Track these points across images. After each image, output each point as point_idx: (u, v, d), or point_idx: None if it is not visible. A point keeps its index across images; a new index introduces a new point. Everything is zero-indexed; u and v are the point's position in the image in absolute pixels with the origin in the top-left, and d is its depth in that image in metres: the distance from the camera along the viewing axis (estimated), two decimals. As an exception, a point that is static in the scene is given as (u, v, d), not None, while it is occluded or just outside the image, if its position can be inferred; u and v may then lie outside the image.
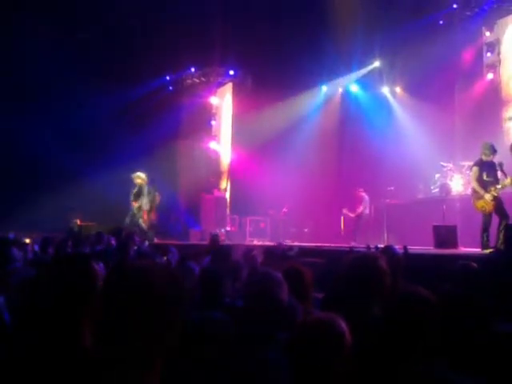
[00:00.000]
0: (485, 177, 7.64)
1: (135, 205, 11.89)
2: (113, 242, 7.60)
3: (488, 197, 7.50)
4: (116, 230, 8.64)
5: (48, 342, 1.97)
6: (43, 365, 1.88)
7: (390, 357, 2.00)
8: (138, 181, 11.99)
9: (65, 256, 2.22)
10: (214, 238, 8.14)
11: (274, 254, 5.63)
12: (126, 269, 1.41)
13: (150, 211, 12.14)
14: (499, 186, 7.53)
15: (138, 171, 12.06)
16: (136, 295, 1.35)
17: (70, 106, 13.66)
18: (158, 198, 12.30)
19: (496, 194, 7.51)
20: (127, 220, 11.77)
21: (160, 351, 1.41)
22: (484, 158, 7.72)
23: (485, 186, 7.57)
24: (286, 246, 7.43)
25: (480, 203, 7.63)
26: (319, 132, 14.54)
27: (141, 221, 11.87)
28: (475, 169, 7.76)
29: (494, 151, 7.70)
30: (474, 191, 7.77)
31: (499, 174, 7.65)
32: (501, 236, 7.12)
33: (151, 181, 12.19)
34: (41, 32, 12.45)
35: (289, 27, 13.07)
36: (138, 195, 11.96)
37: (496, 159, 7.72)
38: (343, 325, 1.87)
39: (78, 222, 11.91)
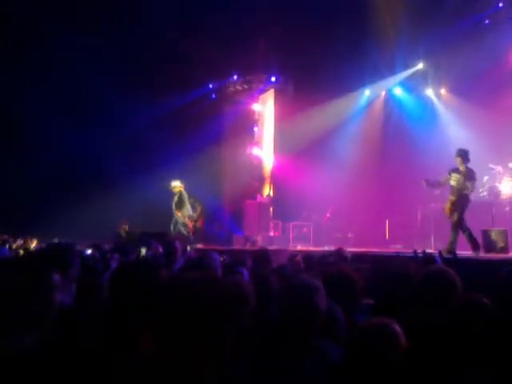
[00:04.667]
0: None
1: (178, 214, 12.01)
2: (159, 248, 7.74)
3: None
4: (162, 237, 8.82)
5: (109, 345, 2.06)
6: (102, 364, 1.97)
7: (447, 363, 2.01)
8: (176, 189, 12.04)
9: (131, 263, 2.31)
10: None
11: (312, 259, 5.62)
12: (177, 283, 1.46)
13: (196, 220, 12.31)
14: None
15: (174, 180, 12.10)
16: (186, 310, 1.41)
17: (118, 115, 14.04)
18: (199, 208, 12.47)
19: None
20: (171, 227, 11.95)
21: (210, 363, 1.46)
22: None
23: None
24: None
25: None
26: (362, 136, 14.41)
27: (182, 228, 12.00)
28: None
29: None
30: None
31: None
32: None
33: (192, 192, 12.34)
34: (90, 44, 12.90)
35: (330, 30, 13.01)
36: (180, 203, 12.08)
37: None
38: (399, 328, 1.93)
39: (126, 228, 12.14)
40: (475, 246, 8.00)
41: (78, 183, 14.00)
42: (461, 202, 8.09)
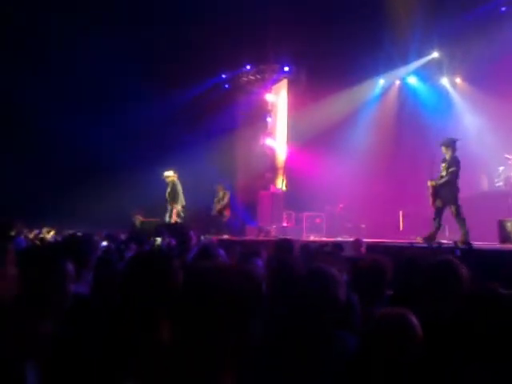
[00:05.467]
0: None
1: (173, 204, 11.84)
2: (172, 238, 7.78)
3: None
4: (175, 226, 8.86)
5: (128, 335, 2.07)
6: (120, 359, 1.98)
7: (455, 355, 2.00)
8: (169, 179, 11.96)
9: (146, 255, 2.33)
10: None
11: (309, 249, 5.58)
12: (197, 271, 1.47)
13: (223, 209, 12.36)
14: None
15: (167, 170, 12.04)
16: (208, 298, 1.41)
17: (131, 105, 14.10)
18: (227, 197, 12.52)
19: None
20: (166, 218, 11.82)
21: (232, 352, 1.46)
22: None
23: None
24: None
25: None
26: (376, 125, 14.31)
27: (177, 218, 11.89)
28: None
29: None
30: None
31: None
32: None
33: (221, 181, 12.34)
34: (103, 35, 12.92)
35: (343, 19, 12.88)
36: (174, 193, 11.92)
37: None
38: (415, 319, 1.93)
39: (141, 218, 12.18)
40: (431, 236, 8.05)
41: (93, 174, 14.11)
42: (445, 190, 8.07)
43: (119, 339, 2.13)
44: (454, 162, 8.09)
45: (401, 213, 12.81)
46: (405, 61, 14.23)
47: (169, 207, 11.96)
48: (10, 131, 14.05)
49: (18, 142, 14.01)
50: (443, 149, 8.30)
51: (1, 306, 2.07)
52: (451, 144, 8.23)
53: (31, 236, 9.50)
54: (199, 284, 1.42)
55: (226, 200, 12.66)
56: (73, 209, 13.26)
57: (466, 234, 7.73)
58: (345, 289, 2.34)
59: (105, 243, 6.26)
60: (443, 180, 8.08)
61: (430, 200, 8.26)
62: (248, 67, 16.06)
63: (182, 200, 12.00)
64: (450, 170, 8.03)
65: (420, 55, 14.05)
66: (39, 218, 11.70)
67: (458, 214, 7.91)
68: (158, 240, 6.95)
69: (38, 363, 1.93)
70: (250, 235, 13.41)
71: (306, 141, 14.47)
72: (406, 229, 12.52)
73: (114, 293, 3.17)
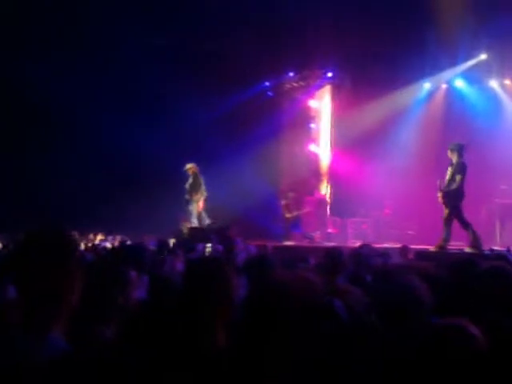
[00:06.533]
0: None
1: (193, 195, 12.14)
2: (218, 243, 7.86)
3: None
4: (221, 232, 8.94)
5: (185, 340, 2.13)
6: (179, 362, 2.03)
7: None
8: (191, 171, 12.32)
9: (200, 260, 2.39)
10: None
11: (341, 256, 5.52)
12: (270, 282, 1.51)
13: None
14: None
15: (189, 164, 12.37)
16: (278, 308, 1.45)
17: (178, 113, 14.36)
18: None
19: None
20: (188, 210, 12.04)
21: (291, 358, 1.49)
22: None
23: None
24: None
25: None
26: (422, 129, 14.05)
27: (194, 210, 12.22)
28: None
29: None
30: None
31: None
32: None
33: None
34: (153, 45, 13.27)
35: (387, 21, 12.72)
36: (195, 185, 12.19)
37: None
38: (475, 329, 1.88)
39: (188, 225, 12.31)
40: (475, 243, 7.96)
41: (140, 181, 14.44)
42: (449, 196, 7.99)
43: (177, 342, 2.18)
44: (461, 168, 8.05)
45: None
46: (452, 63, 13.93)
47: (189, 198, 12.23)
48: (54, 133, 14.58)
49: (67, 148, 14.47)
50: (449, 153, 8.39)
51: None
52: (457, 149, 8.25)
53: (83, 241, 9.76)
54: (273, 294, 1.46)
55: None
56: (118, 214, 13.58)
57: (446, 240, 7.78)
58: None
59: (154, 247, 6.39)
60: (452, 187, 8.00)
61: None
62: (291, 74, 16.08)
63: (202, 191, 12.25)
64: (459, 175, 8.04)
65: (468, 57, 13.73)
66: (83, 222, 11.97)
67: (448, 219, 7.93)
68: (209, 246, 7.04)
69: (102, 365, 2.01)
70: (294, 241, 13.40)
71: (350, 146, 14.36)
72: (453, 234, 12.22)
73: (169, 297, 3.26)
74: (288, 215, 13.89)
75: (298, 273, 2.18)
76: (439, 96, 15.01)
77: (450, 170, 8.28)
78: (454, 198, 8.06)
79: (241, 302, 2.11)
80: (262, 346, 1.54)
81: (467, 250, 8.17)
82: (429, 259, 6.78)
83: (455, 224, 11.29)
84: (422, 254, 7.69)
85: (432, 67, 14.03)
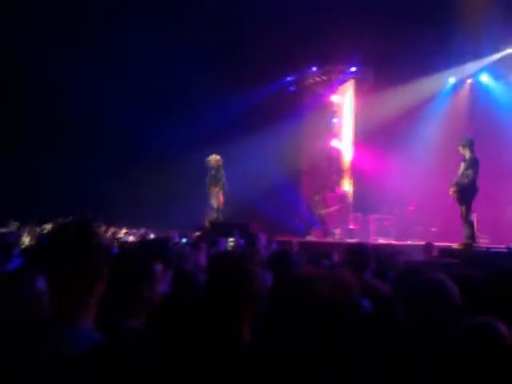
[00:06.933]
0: None
1: (213, 188, 12.10)
2: (241, 239, 7.86)
3: None
4: (243, 227, 8.96)
5: (211, 337, 2.13)
6: (205, 359, 2.03)
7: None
8: (213, 162, 12.23)
9: (226, 254, 2.40)
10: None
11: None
12: (295, 278, 1.50)
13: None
14: None
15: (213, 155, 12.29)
16: (304, 304, 1.44)
17: (200, 108, 14.44)
18: None
19: None
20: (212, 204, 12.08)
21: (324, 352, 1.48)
22: None
23: None
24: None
25: None
26: (447, 125, 13.84)
27: (214, 202, 12.17)
28: None
29: None
30: None
31: None
32: None
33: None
34: (177, 41, 13.33)
35: (411, 14, 12.51)
36: (216, 177, 12.12)
37: None
38: (505, 328, 1.86)
39: (211, 219, 12.32)
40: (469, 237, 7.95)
41: (163, 175, 14.55)
42: (462, 191, 8.05)
43: (202, 338, 2.18)
44: (473, 163, 8.09)
45: (474, 216, 12.31)
46: (477, 57, 13.69)
47: (208, 191, 12.21)
48: (77, 130, 14.78)
49: (93, 143, 14.66)
50: (460, 149, 8.35)
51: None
52: (468, 144, 8.24)
53: (109, 235, 9.86)
54: (302, 290, 1.46)
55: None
56: (141, 208, 13.71)
57: (470, 237, 7.69)
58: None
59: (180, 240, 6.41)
60: (466, 181, 8.04)
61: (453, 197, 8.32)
62: (314, 69, 15.99)
63: (222, 186, 12.20)
64: (471, 170, 8.04)
65: (493, 51, 13.48)
66: (107, 216, 12.11)
67: (467, 216, 7.85)
68: (231, 240, 7.05)
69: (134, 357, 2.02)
70: (316, 237, 13.35)
71: (373, 141, 14.23)
72: (479, 233, 12.04)
73: (192, 291, 3.27)
74: (322, 211, 13.86)
75: (327, 270, 2.16)
76: (464, 91, 14.79)
77: (462, 166, 8.27)
78: (466, 194, 8.06)
79: (266, 296, 2.10)
80: (287, 339, 1.53)
81: (456, 246, 8.18)
82: (453, 257, 6.71)
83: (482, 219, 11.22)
84: (446, 252, 7.60)
85: (457, 61, 13.81)
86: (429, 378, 2.00)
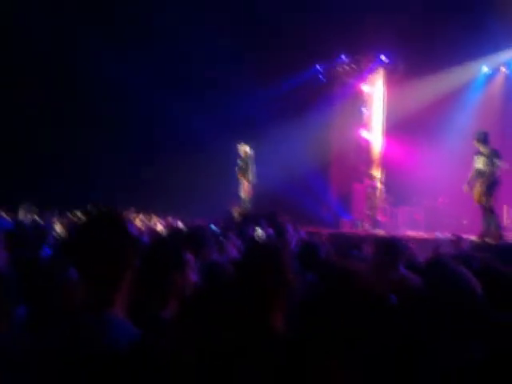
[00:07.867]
0: None
1: (241, 177, 12.40)
2: (269, 229, 7.86)
3: None
4: (272, 217, 8.96)
5: (241, 323, 2.14)
6: (234, 343, 2.05)
7: None
8: (246, 153, 12.52)
9: (257, 244, 2.40)
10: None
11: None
12: (333, 271, 1.50)
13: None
14: None
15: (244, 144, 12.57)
16: (339, 298, 1.43)
17: (229, 98, 14.46)
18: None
19: None
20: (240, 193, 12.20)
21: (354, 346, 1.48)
22: None
23: None
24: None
25: None
26: (479, 115, 13.54)
27: (242, 193, 12.44)
28: None
29: None
30: None
31: None
32: None
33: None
34: (206, 31, 13.39)
35: (445, 2, 12.25)
36: (246, 167, 12.36)
37: None
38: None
39: (239, 209, 12.36)
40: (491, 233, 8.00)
41: (192, 163, 14.64)
42: (492, 183, 8.20)
43: (233, 327, 2.19)
44: (496, 153, 8.16)
45: (505, 208, 12.06)
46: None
47: (239, 177, 12.46)
48: (108, 113, 14.98)
49: (122, 134, 14.84)
50: (475, 143, 8.47)
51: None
52: (483, 138, 8.29)
53: (138, 222, 9.94)
54: (337, 284, 1.45)
55: None
56: (169, 196, 13.83)
57: (498, 228, 7.59)
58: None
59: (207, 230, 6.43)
60: (494, 171, 8.14)
61: (477, 197, 8.55)
62: (343, 57, 15.79)
63: (251, 175, 12.36)
64: (498, 159, 8.14)
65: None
66: (134, 204, 12.27)
67: (490, 207, 7.78)
68: (259, 231, 7.07)
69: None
70: (344, 228, 13.29)
71: (403, 132, 14.01)
72: (510, 225, 11.79)
73: (223, 280, 3.28)
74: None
75: (359, 262, 2.14)
76: (498, 81, 14.44)
77: (481, 159, 8.29)
78: (489, 186, 8.03)
79: (298, 287, 2.10)
80: (321, 330, 1.53)
81: (473, 238, 8.13)
82: (484, 251, 6.56)
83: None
84: (477, 245, 7.45)
85: (490, 49, 13.45)
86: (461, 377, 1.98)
